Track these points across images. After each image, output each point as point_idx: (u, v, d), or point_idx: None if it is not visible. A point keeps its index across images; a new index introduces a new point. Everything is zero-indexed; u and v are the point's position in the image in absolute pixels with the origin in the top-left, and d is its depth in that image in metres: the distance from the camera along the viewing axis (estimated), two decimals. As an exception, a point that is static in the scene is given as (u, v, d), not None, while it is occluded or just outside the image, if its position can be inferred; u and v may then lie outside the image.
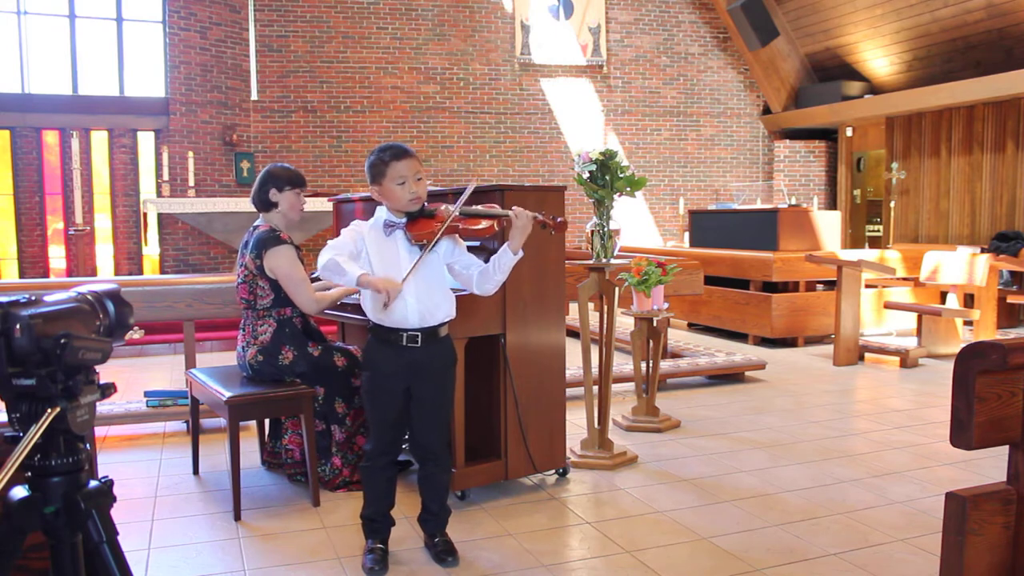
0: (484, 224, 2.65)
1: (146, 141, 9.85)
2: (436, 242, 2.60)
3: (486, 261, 2.71)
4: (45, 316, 1.24)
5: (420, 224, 2.61)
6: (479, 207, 2.72)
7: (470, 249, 2.80)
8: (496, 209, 2.71)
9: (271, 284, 3.39)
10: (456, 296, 3.00)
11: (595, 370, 3.90)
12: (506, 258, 2.64)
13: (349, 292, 3.44)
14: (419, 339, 2.63)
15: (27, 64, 9.33)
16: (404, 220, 2.64)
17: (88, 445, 1.35)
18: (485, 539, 2.94)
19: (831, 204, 11.86)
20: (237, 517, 3.15)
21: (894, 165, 9.66)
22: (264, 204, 3.49)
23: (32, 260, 9.41)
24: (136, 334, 6.37)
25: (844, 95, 10.92)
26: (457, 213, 2.63)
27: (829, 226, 7.73)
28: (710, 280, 7.11)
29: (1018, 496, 1.70)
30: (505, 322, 3.25)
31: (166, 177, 9.59)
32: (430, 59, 11.08)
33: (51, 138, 9.45)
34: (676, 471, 3.72)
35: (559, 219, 2.72)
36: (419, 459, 2.79)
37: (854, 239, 11.56)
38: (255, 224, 3.53)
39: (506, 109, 11.38)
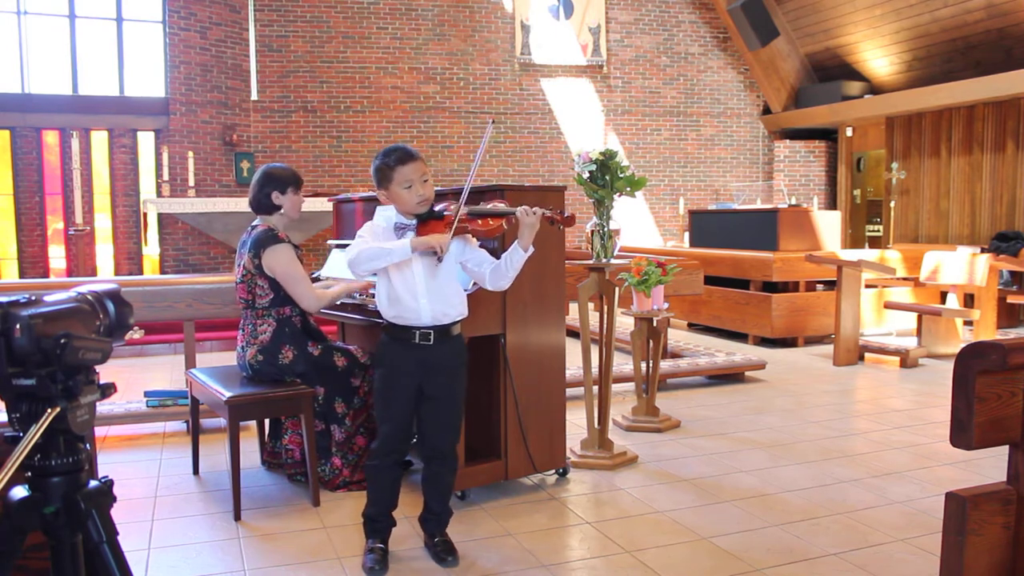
0: (493, 223, 2.67)
1: (146, 141, 9.85)
2: (452, 238, 2.62)
3: (494, 256, 2.73)
4: (45, 316, 1.24)
5: (430, 227, 2.65)
6: (488, 206, 2.73)
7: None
8: (504, 207, 2.72)
9: (270, 283, 3.39)
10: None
11: (595, 370, 3.90)
12: (517, 255, 2.66)
13: (350, 290, 3.45)
14: (431, 337, 2.64)
15: (27, 64, 9.33)
16: (415, 222, 2.67)
17: (88, 445, 1.35)
18: (485, 539, 2.94)
19: (831, 204, 11.86)
20: (237, 517, 3.14)
21: (894, 165, 9.66)
22: (266, 207, 3.49)
23: (32, 260, 9.41)
24: (136, 334, 6.37)
25: (844, 95, 10.92)
26: (466, 213, 2.65)
27: (829, 226, 7.73)
28: (710, 280, 7.11)
29: (1018, 496, 1.70)
30: (505, 322, 3.25)
31: (166, 177, 9.59)
32: (430, 59, 11.08)
33: (51, 138, 9.45)
34: (676, 471, 3.72)
35: (567, 214, 2.74)
36: (426, 458, 2.79)
37: (854, 239, 11.56)
38: (253, 224, 3.53)
39: (506, 109, 11.37)
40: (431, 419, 2.71)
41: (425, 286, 2.62)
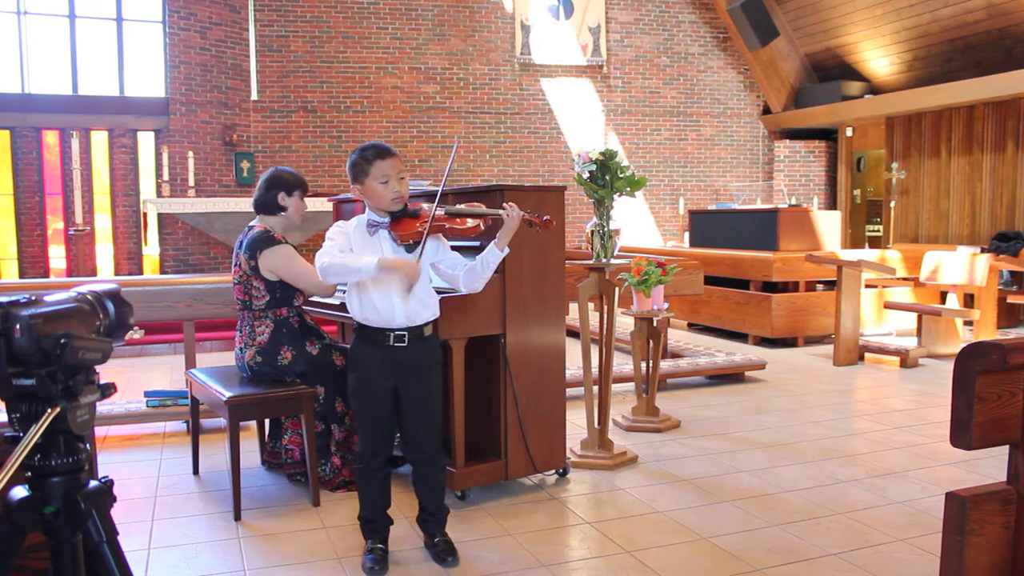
0: (470, 224, 2.66)
1: (146, 141, 9.85)
2: (425, 240, 2.60)
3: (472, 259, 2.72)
4: (45, 316, 1.24)
5: (404, 224, 2.61)
6: (463, 206, 2.72)
7: (461, 249, 2.81)
8: (481, 208, 2.71)
9: (266, 285, 3.39)
10: (455, 297, 3.01)
11: (595, 370, 3.90)
12: (493, 256, 2.66)
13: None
14: (406, 339, 2.63)
15: (27, 64, 9.32)
16: (388, 220, 2.64)
17: (88, 445, 1.35)
18: (485, 539, 2.94)
19: (831, 204, 11.86)
20: (237, 517, 3.15)
21: (894, 165, 9.66)
22: (270, 208, 3.48)
23: (32, 260, 9.40)
24: (136, 334, 6.36)
25: (844, 95, 10.92)
26: (442, 213, 2.63)
27: (829, 226, 7.73)
28: (710, 280, 7.11)
29: (1018, 496, 1.70)
30: (505, 322, 3.25)
31: (166, 177, 9.58)
32: (430, 59, 11.08)
33: (51, 138, 9.45)
34: (676, 471, 3.72)
35: (546, 217, 2.72)
36: (413, 460, 2.79)
37: (854, 239, 11.56)
38: (251, 224, 3.53)
39: (506, 109, 11.37)
40: (412, 420, 2.70)
41: (399, 287, 2.60)
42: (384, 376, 2.65)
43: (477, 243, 3.06)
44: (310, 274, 3.36)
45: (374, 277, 2.54)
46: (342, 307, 3.49)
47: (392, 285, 2.59)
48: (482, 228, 2.68)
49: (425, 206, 2.65)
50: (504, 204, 2.68)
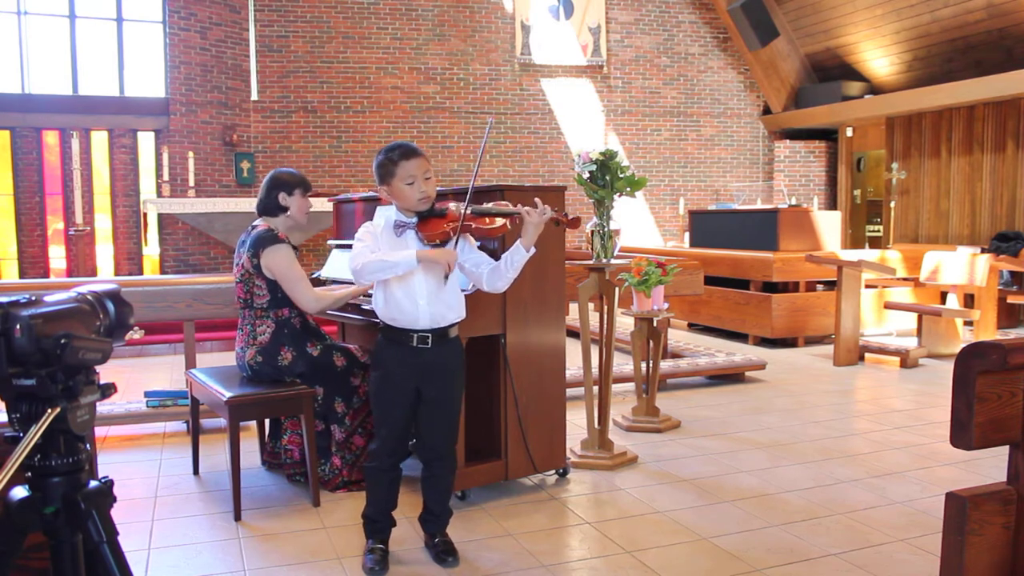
0: (497, 223, 2.65)
1: (146, 141, 9.85)
2: (457, 240, 2.61)
3: (495, 258, 2.72)
4: (45, 316, 1.24)
5: (431, 224, 2.62)
6: (490, 205, 2.71)
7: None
8: (508, 207, 2.70)
9: (268, 284, 3.39)
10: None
11: (595, 370, 3.90)
12: (519, 255, 2.63)
13: (354, 294, 3.43)
14: (429, 340, 2.63)
15: (27, 64, 9.32)
16: (415, 220, 2.64)
17: (88, 445, 1.35)
18: (485, 539, 2.94)
19: (831, 204, 11.86)
20: (237, 517, 3.15)
21: (894, 165, 9.66)
22: (273, 209, 3.48)
23: (32, 260, 9.40)
24: (136, 334, 6.37)
25: (844, 95, 10.92)
26: (469, 212, 2.63)
27: (829, 226, 7.73)
28: (710, 280, 7.11)
29: (1018, 496, 1.70)
30: (505, 322, 3.25)
31: (166, 177, 9.59)
32: (430, 59, 11.08)
33: (51, 138, 9.45)
34: (676, 471, 3.72)
35: (572, 216, 2.72)
36: (426, 460, 2.78)
37: (854, 239, 11.56)
38: (254, 223, 3.53)
39: (506, 109, 11.37)
40: (429, 421, 2.70)
41: (425, 289, 2.60)
42: (406, 377, 2.65)
43: (477, 243, 3.07)
44: (302, 283, 3.36)
45: (414, 267, 2.54)
46: (342, 307, 3.50)
47: (418, 286, 2.59)
48: (508, 227, 2.67)
49: (452, 206, 2.65)
50: (534, 199, 2.67)
